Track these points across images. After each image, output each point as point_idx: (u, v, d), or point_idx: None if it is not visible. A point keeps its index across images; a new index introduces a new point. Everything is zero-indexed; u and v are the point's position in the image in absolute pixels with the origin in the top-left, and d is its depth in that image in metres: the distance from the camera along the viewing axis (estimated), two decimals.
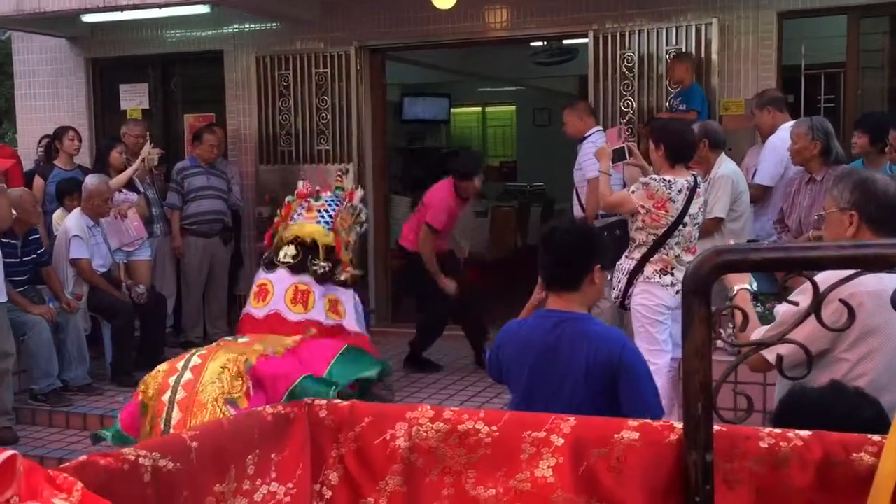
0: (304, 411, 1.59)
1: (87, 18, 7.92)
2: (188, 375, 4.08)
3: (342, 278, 4.96)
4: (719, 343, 3.74)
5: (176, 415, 4.00)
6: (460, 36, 7.56)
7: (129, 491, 1.25)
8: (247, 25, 8.11)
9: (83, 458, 1.21)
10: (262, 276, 5.03)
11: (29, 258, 6.08)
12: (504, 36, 7.57)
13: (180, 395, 4.03)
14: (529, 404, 2.88)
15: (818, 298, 1.46)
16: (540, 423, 1.58)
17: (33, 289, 6.18)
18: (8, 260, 5.71)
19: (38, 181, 7.15)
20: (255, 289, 5.03)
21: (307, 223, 5.01)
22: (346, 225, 5.05)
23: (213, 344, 4.53)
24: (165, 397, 4.05)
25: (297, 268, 4.90)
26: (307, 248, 4.93)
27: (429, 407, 1.60)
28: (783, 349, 2.01)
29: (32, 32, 8.48)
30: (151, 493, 1.29)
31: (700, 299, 1.52)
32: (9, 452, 0.99)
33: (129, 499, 1.24)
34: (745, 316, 1.63)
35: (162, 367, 4.25)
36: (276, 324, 4.79)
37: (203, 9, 7.47)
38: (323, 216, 5.02)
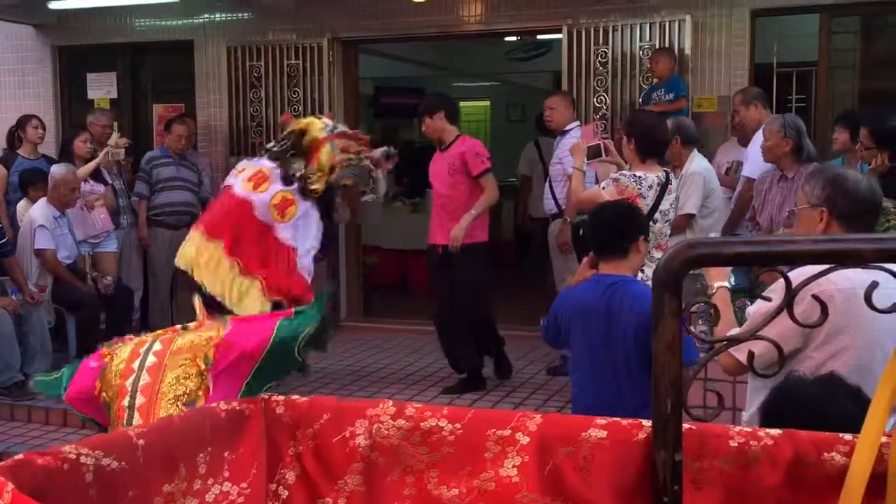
0: (259, 407, 1.53)
1: (54, 5, 7.78)
2: (146, 378, 3.98)
3: (313, 186, 5.01)
4: None
5: (136, 421, 3.91)
6: (434, 29, 7.51)
7: (69, 492, 1.18)
8: (218, 15, 8.00)
9: (18, 456, 1.15)
10: None
11: None
12: (478, 30, 7.53)
13: (139, 400, 3.94)
14: (591, 361, 3.31)
15: (791, 294, 1.43)
16: (505, 421, 1.53)
17: None
18: None
19: (0, 170, 7.00)
20: None
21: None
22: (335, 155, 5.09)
23: (166, 335, 4.39)
24: (125, 402, 3.96)
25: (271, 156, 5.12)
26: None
27: (390, 403, 1.55)
28: (756, 348, 1.98)
29: None
30: (94, 493, 1.22)
31: (671, 293, 1.48)
32: None
33: (70, 500, 1.17)
34: (718, 312, 1.59)
35: (118, 364, 4.14)
36: (224, 196, 5.05)
37: None
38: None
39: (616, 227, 3.40)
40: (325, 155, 5.02)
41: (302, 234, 5.02)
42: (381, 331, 7.58)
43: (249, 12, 7.88)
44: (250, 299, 4.84)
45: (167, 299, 7.37)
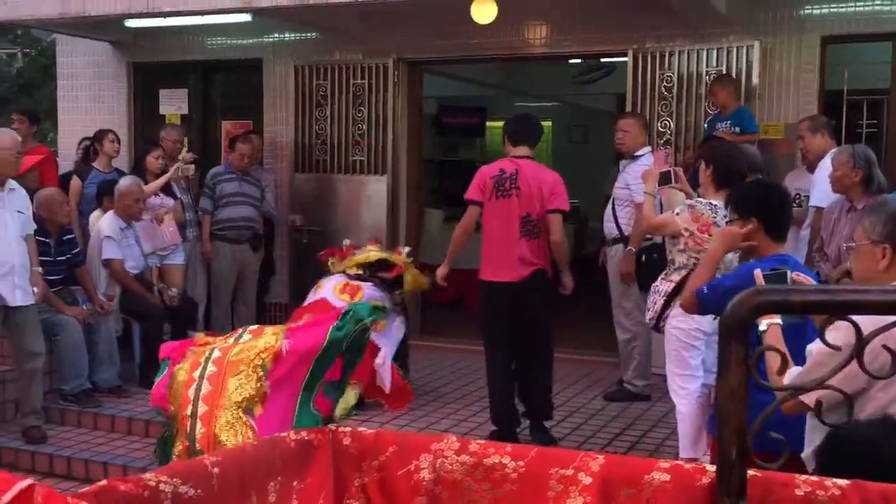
0: (327, 438, 1.57)
1: (131, 23, 8.02)
2: (207, 386, 4.09)
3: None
4: None
5: (199, 429, 4.01)
6: (499, 51, 7.55)
7: None
8: (286, 35, 8.17)
9: (102, 483, 1.20)
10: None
11: (63, 258, 6.14)
12: (543, 52, 7.55)
13: (202, 409, 4.05)
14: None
15: (861, 344, 1.41)
16: (568, 461, 1.54)
17: (67, 289, 6.23)
18: (41, 258, 5.78)
19: (75, 182, 7.23)
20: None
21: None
22: None
23: (223, 342, 4.52)
24: (188, 411, 4.07)
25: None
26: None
27: (455, 438, 1.57)
28: (819, 391, 1.95)
29: (76, 36, 8.60)
30: None
31: (737, 340, 1.47)
32: (27, 482, 0.97)
33: None
34: (784, 358, 1.58)
35: (181, 374, 4.26)
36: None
37: (244, 17, 7.53)
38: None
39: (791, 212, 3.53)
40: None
41: (389, 340, 5.63)
42: (439, 349, 7.61)
43: (317, 32, 8.02)
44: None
45: (228, 312, 7.51)
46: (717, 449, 1.47)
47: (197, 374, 4.25)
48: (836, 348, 1.51)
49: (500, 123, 13.32)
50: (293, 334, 4.56)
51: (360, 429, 1.61)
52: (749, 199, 3.50)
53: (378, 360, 5.52)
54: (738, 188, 3.79)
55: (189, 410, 4.09)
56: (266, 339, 4.42)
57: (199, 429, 4.02)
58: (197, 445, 4.00)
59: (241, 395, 4.14)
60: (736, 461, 1.46)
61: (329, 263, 6.23)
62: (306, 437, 1.56)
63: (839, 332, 1.67)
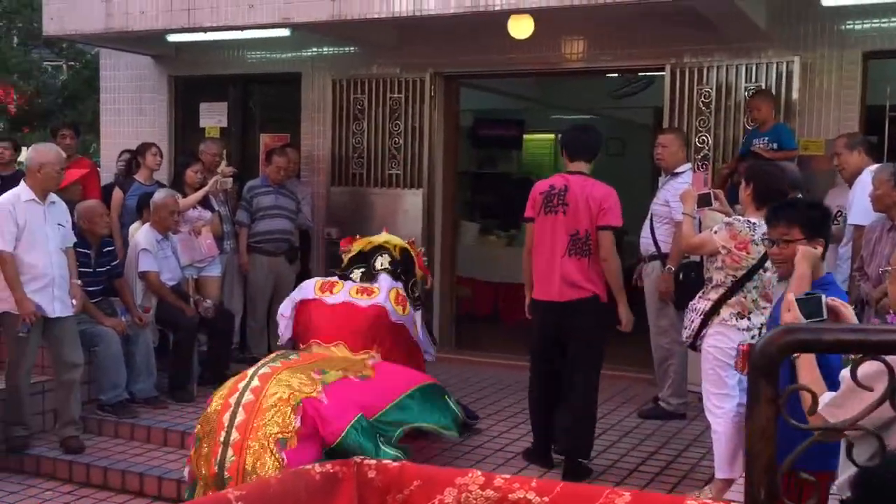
0: (352, 471, 1.57)
1: (172, 38, 8.14)
2: (241, 414, 4.11)
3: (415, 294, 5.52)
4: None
5: (230, 457, 4.03)
6: (536, 66, 7.55)
7: None
8: (325, 49, 8.24)
9: None
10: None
11: (102, 269, 6.23)
12: (580, 67, 7.52)
13: (234, 436, 4.07)
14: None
15: (893, 385, 1.39)
16: (593, 497, 1.52)
17: (107, 300, 6.32)
18: (81, 269, 5.87)
19: (117, 193, 7.33)
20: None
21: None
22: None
23: (265, 368, 4.47)
24: (221, 438, 4.09)
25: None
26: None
27: (479, 473, 1.57)
28: (846, 412, 1.91)
29: (119, 50, 8.75)
30: None
31: (767, 378, 1.46)
32: None
33: None
34: (815, 397, 1.55)
35: (216, 402, 4.28)
36: (347, 312, 5.27)
37: (283, 32, 7.61)
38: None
39: None
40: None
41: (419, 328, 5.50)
42: (473, 363, 7.60)
43: (355, 47, 8.08)
44: None
45: (265, 323, 7.57)
46: (746, 488, 1.45)
47: (233, 399, 4.27)
48: (869, 389, 1.49)
49: (537, 136, 13.39)
50: (329, 397, 4.41)
51: (385, 461, 1.61)
52: (818, 220, 3.47)
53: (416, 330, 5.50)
54: (804, 207, 3.65)
55: (222, 437, 4.11)
56: (301, 391, 4.34)
57: (230, 457, 4.03)
58: (225, 473, 4.01)
59: (276, 426, 4.13)
60: (765, 500, 1.45)
61: (342, 253, 5.94)
62: (331, 470, 1.56)
63: (872, 366, 1.64)
